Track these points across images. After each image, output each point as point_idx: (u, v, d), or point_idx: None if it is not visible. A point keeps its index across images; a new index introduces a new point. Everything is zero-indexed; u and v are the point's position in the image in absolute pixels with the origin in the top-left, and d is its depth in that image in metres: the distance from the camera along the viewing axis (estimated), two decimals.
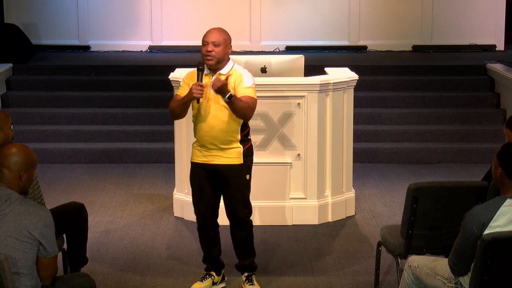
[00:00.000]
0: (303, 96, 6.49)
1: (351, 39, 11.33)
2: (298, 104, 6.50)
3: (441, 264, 4.29)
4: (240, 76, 5.13)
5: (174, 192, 6.92)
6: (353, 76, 6.81)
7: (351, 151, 6.83)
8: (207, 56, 5.08)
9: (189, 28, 11.28)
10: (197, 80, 5.07)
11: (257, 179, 6.51)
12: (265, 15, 11.28)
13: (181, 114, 5.25)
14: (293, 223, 6.60)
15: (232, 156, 5.17)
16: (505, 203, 3.96)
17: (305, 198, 6.61)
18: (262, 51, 11.02)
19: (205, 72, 5.14)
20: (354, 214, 6.85)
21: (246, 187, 5.27)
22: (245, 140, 5.21)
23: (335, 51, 11.24)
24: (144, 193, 7.51)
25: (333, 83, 6.57)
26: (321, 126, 6.54)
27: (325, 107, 6.55)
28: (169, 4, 11.29)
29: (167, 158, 8.15)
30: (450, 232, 4.60)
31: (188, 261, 5.87)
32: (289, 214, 6.60)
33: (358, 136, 7.97)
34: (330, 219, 6.69)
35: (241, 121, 5.15)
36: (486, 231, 3.91)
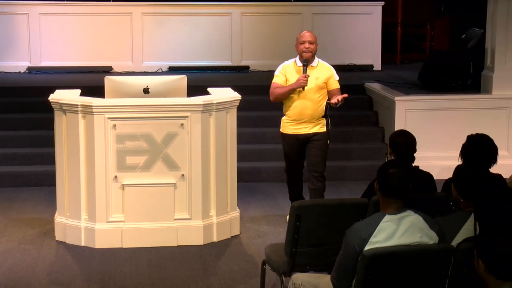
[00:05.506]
0: (186, 117, 6.49)
1: (234, 59, 11.41)
2: (182, 124, 6.49)
3: (324, 281, 4.36)
4: (331, 70, 6.89)
5: (55, 215, 6.76)
6: (236, 96, 6.85)
7: (235, 171, 6.86)
8: (305, 51, 6.68)
9: (69, 49, 11.09)
10: (303, 73, 6.64)
11: (141, 200, 6.48)
12: (147, 35, 11.22)
13: (284, 98, 6.83)
14: (178, 244, 6.55)
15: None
16: (384, 219, 4.06)
17: (190, 219, 6.59)
18: (144, 71, 10.96)
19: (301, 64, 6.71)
20: (239, 233, 6.87)
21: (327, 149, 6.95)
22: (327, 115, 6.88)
23: (218, 71, 11.29)
24: (24, 218, 7.30)
25: (216, 103, 6.60)
26: (205, 146, 6.55)
27: (208, 127, 6.56)
28: (49, 25, 11.06)
29: (48, 181, 7.94)
30: (333, 249, 4.66)
31: (70, 285, 5.73)
32: (174, 235, 6.56)
33: (242, 156, 8.02)
34: (215, 239, 6.68)
35: (325, 102, 6.79)
36: (367, 247, 3.99)
